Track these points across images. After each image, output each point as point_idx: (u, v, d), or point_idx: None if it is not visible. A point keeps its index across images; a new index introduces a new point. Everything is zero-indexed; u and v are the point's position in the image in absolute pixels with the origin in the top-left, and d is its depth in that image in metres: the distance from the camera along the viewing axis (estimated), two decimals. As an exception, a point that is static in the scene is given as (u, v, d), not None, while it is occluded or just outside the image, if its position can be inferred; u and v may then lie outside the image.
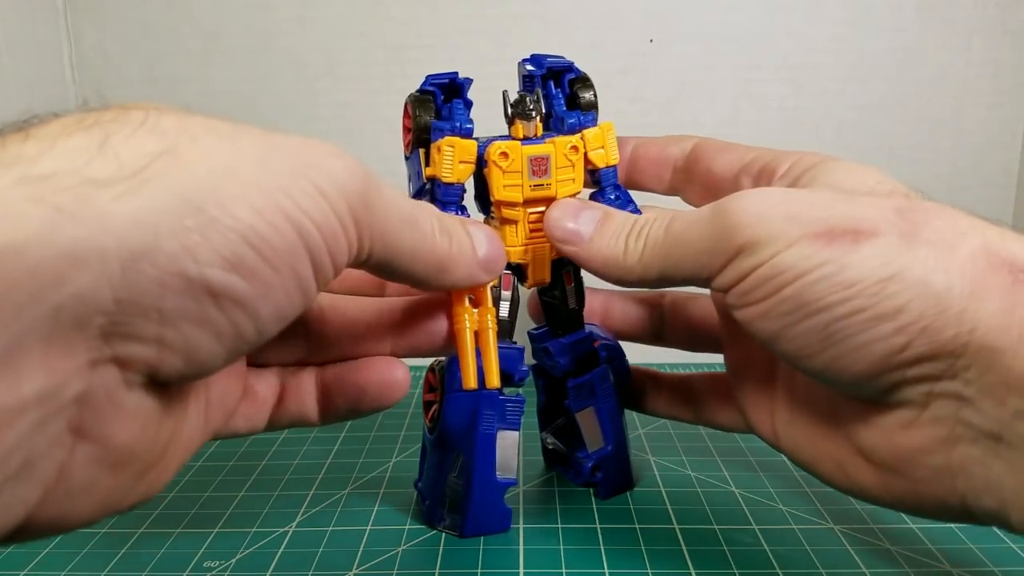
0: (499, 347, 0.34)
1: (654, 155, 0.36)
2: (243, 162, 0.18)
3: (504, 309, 0.35)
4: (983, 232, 0.23)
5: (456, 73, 0.35)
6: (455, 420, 0.35)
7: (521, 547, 0.35)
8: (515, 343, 0.35)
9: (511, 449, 0.36)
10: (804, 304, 0.23)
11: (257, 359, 0.27)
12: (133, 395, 0.18)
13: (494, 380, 0.29)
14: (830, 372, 0.24)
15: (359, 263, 0.22)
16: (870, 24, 0.56)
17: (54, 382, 0.16)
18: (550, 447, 0.42)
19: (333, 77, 0.58)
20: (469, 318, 0.29)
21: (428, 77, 0.35)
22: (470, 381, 0.29)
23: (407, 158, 0.35)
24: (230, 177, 0.18)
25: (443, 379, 0.35)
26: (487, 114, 0.35)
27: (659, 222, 0.28)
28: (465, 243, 0.26)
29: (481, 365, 0.29)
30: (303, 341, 0.27)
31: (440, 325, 0.28)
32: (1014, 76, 0.57)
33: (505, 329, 0.35)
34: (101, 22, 0.57)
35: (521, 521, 0.37)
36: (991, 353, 0.21)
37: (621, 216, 0.30)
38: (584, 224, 0.30)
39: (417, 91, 0.34)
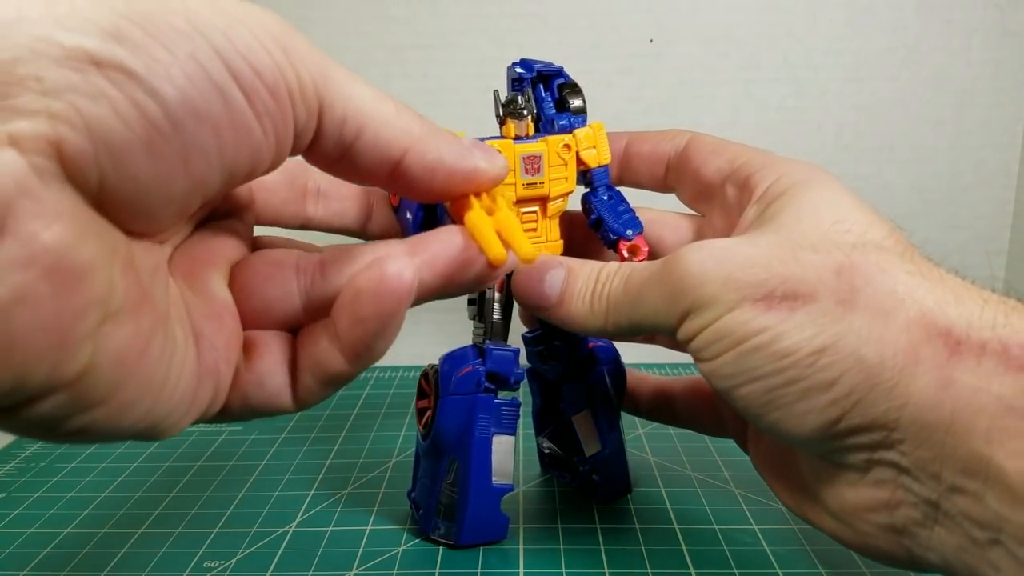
0: (495, 349, 0.34)
1: (647, 152, 0.35)
2: None
3: (496, 311, 0.35)
4: (924, 296, 0.22)
5: None
6: (449, 425, 0.34)
7: (521, 547, 0.35)
8: (509, 346, 0.35)
9: (507, 454, 0.35)
10: (744, 371, 0.24)
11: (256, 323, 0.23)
12: (50, 188, 0.15)
13: (527, 249, 0.23)
14: (777, 432, 0.24)
15: (312, 134, 0.20)
16: (870, 24, 0.56)
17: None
18: (546, 451, 0.41)
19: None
20: (477, 201, 0.24)
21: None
22: (496, 248, 0.23)
23: None
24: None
25: (437, 384, 0.35)
26: (487, 114, 0.35)
27: (618, 278, 0.28)
28: (437, 128, 0.23)
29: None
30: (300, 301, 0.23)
31: (451, 234, 0.23)
32: (1014, 76, 0.57)
33: (499, 331, 0.35)
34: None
35: (521, 521, 0.37)
36: (922, 429, 0.21)
37: (583, 273, 0.29)
38: (549, 288, 0.30)
39: None
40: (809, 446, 0.24)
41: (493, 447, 0.35)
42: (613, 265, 0.29)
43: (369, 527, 0.37)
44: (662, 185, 0.36)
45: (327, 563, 0.34)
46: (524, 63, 0.36)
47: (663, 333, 0.27)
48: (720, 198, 0.32)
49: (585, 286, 0.29)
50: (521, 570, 0.33)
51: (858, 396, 0.22)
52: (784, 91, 0.57)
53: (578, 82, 0.35)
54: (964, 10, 0.56)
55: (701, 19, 0.56)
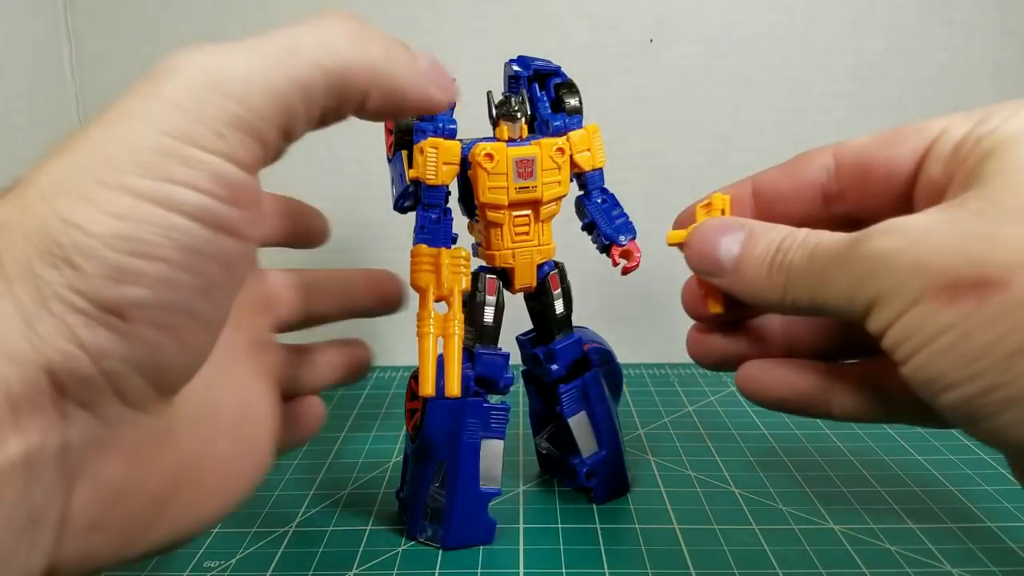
0: (485, 353, 0.34)
1: (788, 188, 0.29)
2: (83, 169, 0.18)
3: (488, 315, 0.34)
4: None
5: None
6: (437, 428, 0.34)
7: (521, 547, 0.35)
8: (500, 349, 0.35)
9: (495, 459, 0.35)
10: (936, 377, 0.20)
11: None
12: (113, 431, 0.18)
13: (453, 389, 0.30)
14: (995, 445, 0.21)
15: (287, 139, 0.21)
16: (870, 24, 0.56)
17: (33, 441, 0.17)
18: (544, 452, 0.41)
19: (333, 77, 0.57)
20: (433, 323, 0.29)
21: None
22: (427, 387, 0.29)
23: (390, 160, 0.35)
24: (72, 196, 0.17)
25: None
26: (486, 115, 0.35)
27: (802, 249, 0.24)
28: (395, 46, 0.23)
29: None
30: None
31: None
32: (1014, 76, 0.57)
33: (489, 335, 0.35)
34: (101, 22, 0.57)
35: (521, 521, 0.37)
36: None
37: (764, 240, 0.26)
38: (725, 252, 0.26)
39: None
40: None
41: (481, 451, 0.34)
42: (801, 232, 0.25)
43: (369, 527, 0.37)
44: (821, 214, 0.30)
45: (327, 563, 0.34)
46: (521, 60, 0.35)
47: (851, 320, 0.23)
48: (925, 187, 0.25)
49: (765, 252, 0.25)
50: (521, 570, 0.33)
51: None
52: (784, 91, 0.57)
53: (579, 81, 0.35)
54: (964, 10, 0.56)
55: (701, 19, 0.56)
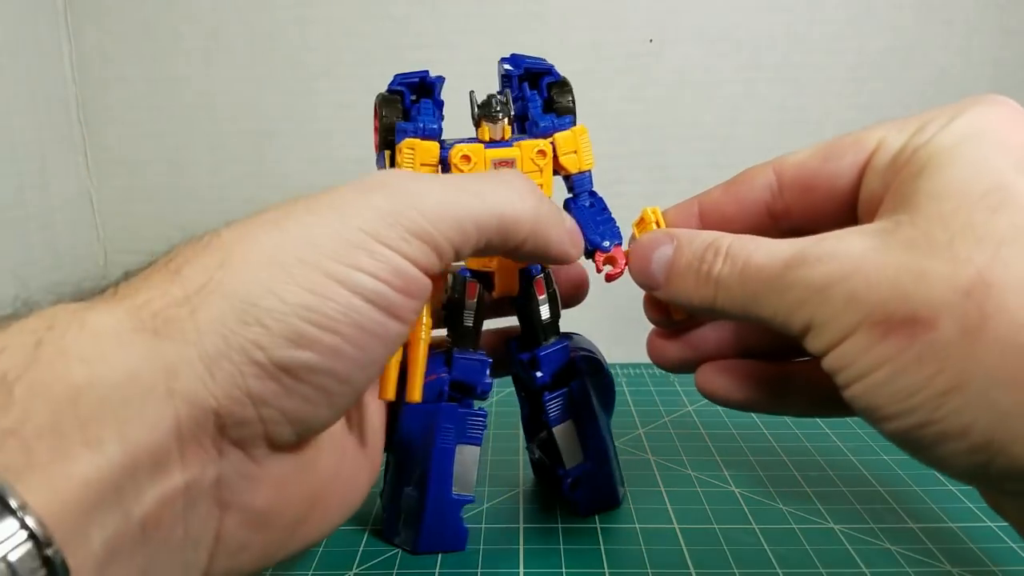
0: (463, 357, 0.33)
1: (733, 211, 0.29)
2: (289, 245, 0.21)
3: (468, 318, 0.34)
4: None
5: (426, 72, 0.33)
6: (412, 431, 0.33)
7: (521, 547, 0.35)
8: (479, 352, 0.34)
9: (470, 465, 0.34)
10: (874, 409, 0.21)
11: None
12: (261, 467, 0.21)
13: (415, 395, 0.29)
14: (938, 470, 0.22)
15: (462, 258, 0.25)
16: (870, 24, 0.56)
17: (193, 473, 0.19)
18: (536, 459, 0.40)
19: (333, 77, 0.58)
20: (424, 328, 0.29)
21: (397, 76, 0.33)
22: (387, 391, 0.29)
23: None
24: (275, 266, 0.21)
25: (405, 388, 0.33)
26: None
27: (730, 263, 0.24)
28: (552, 209, 0.27)
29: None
30: None
31: None
32: (1014, 76, 0.57)
33: (469, 338, 0.34)
34: (101, 22, 0.57)
35: (521, 521, 0.37)
36: None
37: (688, 250, 0.26)
38: (656, 266, 0.27)
39: (387, 90, 0.33)
40: (980, 487, 0.22)
41: (456, 457, 0.33)
42: (725, 240, 0.25)
43: (369, 527, 0.37)
44: (768, 232, 0.29)
45: (327, 563, 0.34)
46: (514, 59, 0.35)
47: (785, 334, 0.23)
48: (866, 201, 0.26)
49: (689, 263, 0.26)
50: (521, 570, 0.33)
51: (1000, 445, 0.19)
52: (784, 91, 0.57)
53: (579, 82, 0.35)
54: (964, 10, 0.56)
55: (701, 19, 0.56)
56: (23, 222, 0.55)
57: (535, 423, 0.39)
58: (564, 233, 0.28)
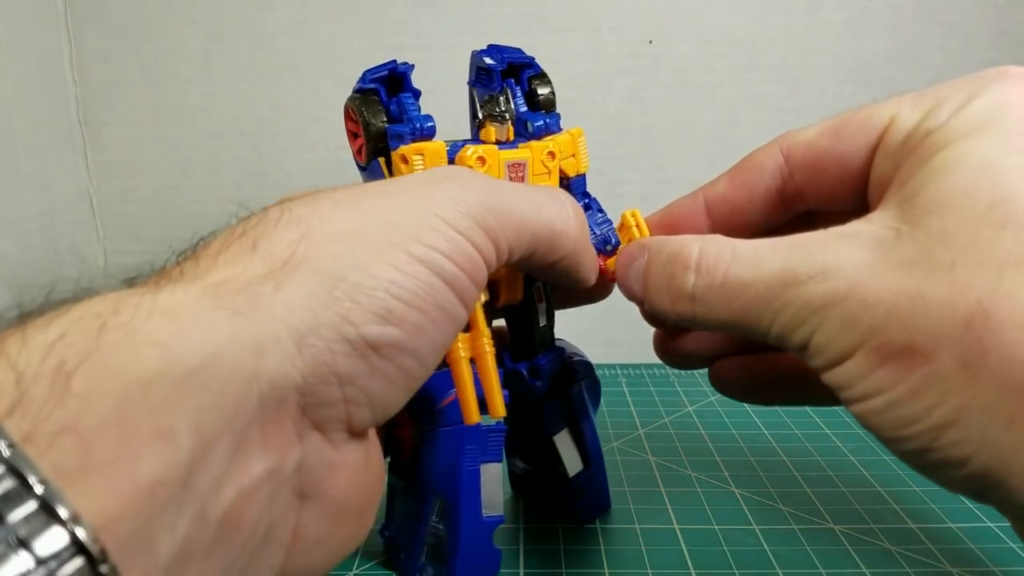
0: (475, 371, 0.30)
1: (744, 198, 0.29)
2: (369, 224, 0.21)
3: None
4: None
5: (394, 62, 0.31)
6: (441, 459, 0.31)
7: (521, 547, 0.35)
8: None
9: (496, 483, 0.32)
10: (877, 430, 0.21)
11: None
12: (339, 452, 0.20)
13: (499, 409, 0.27)
14: (939, 485, 0.21)
15: (506, 262, 0.24)
16: (869, 25, 0.56)
17: (276, 459, 0.18)
18: (520, 472, 0.39)
19: (333, 77, 0.58)
20: (462, 345, 0.27)
21: (366, 72, 0.31)
22: (472, 415, 0.27)
23: (363, 168, 0.31)
24: (360, 242, 0.20)
25: (423, 411, 0.31)
26: (464, 115, 0.34)
27: (707, 277, 0.24)
28: (588, 232, 0.28)
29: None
30: None
31: None
32: (1013, 77, 0.57)
33: None
34: (101, 23, 0.58)
35: (521, 521, 0.37)
36: None
37: (655, 264, 0.26)
38: (634, 280, 0.27)
39: (356, 91, 0.31)
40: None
41: (482, 477, 0.31)
42: (691, 251, 0.24)
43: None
44: (780, 218, 0.29)
45: (327, 563, 0.34)
46: (493, 50, 0.33)
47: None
48: (877, 183, 0.25)
49: (659, 279, 0.26)
50: (521, 570, 0.33)
51: (997, 477, 0.19)
52: (784, 91, 0.57)
53: (578, 82, 0.35)
54: (962, 11, 0.56)
55: (701, 19, 0.56)
56: (23, 222, 0.55)
57: (519, 435, 0.37)
58: (593, 259, 0.29)
